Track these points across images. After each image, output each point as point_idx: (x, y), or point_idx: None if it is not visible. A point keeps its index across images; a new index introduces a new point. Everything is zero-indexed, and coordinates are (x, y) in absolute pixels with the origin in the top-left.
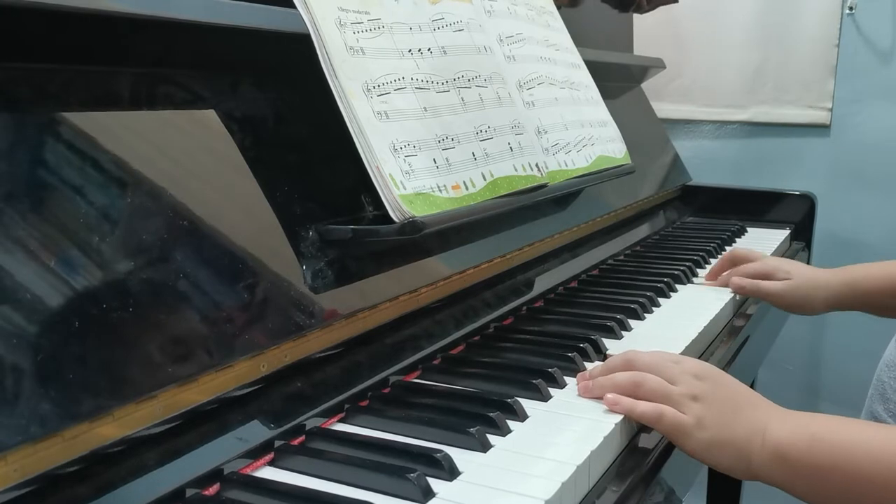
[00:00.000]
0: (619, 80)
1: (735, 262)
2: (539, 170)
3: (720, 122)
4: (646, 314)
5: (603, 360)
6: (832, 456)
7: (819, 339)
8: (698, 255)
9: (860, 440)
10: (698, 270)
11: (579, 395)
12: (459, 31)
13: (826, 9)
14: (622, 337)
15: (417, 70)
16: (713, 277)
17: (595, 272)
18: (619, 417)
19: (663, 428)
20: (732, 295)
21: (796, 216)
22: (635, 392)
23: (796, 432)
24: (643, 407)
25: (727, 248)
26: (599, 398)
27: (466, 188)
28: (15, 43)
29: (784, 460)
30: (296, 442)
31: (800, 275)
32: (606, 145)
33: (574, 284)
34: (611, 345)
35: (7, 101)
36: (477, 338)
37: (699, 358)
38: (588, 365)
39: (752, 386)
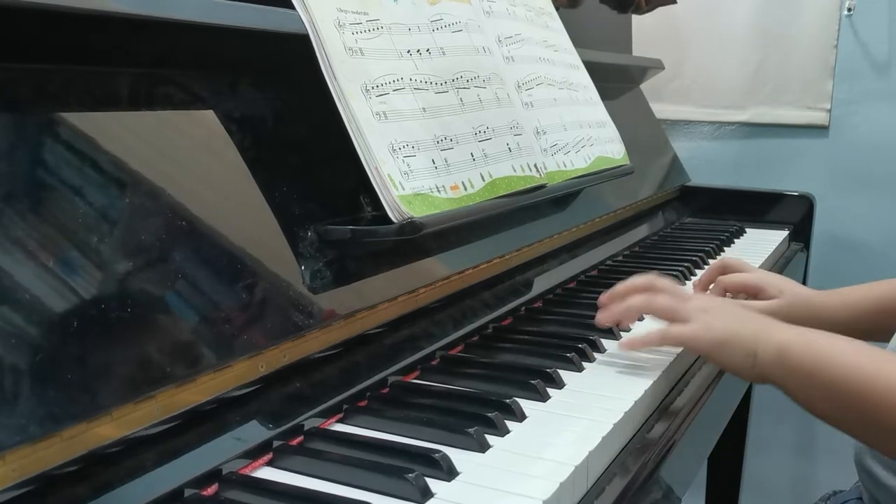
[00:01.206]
0: (617, 80)
1: (725, 271)
2: (538, 170)
3: (719, 123)
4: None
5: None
6: (820, 362)
7: None
8: (697, 256)
9: (848, 353)
10: (697, 271)
11: (598, 321)
12: (458, 31)
13: (824, 10)
14: (621, 337)
15: (416, 71)
16: (703, 288)
17: (594, 273)
18: (617, 418)
19: (672, 340)
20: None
21: (795, 217)
22: (648, 309)
23: (798, 335)
24: (649, 336)
25: (726, 249)
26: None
27: (465, 189)
28: (14, 43)
29: (784, 361)
30: (294, 442)
31: (791, 293)
32: (605, 146)
33: (573, 285)
34: (609, 345)
35: (6, 102)
36: (476, 338)
37: (696, 359)
38: (587, 365)
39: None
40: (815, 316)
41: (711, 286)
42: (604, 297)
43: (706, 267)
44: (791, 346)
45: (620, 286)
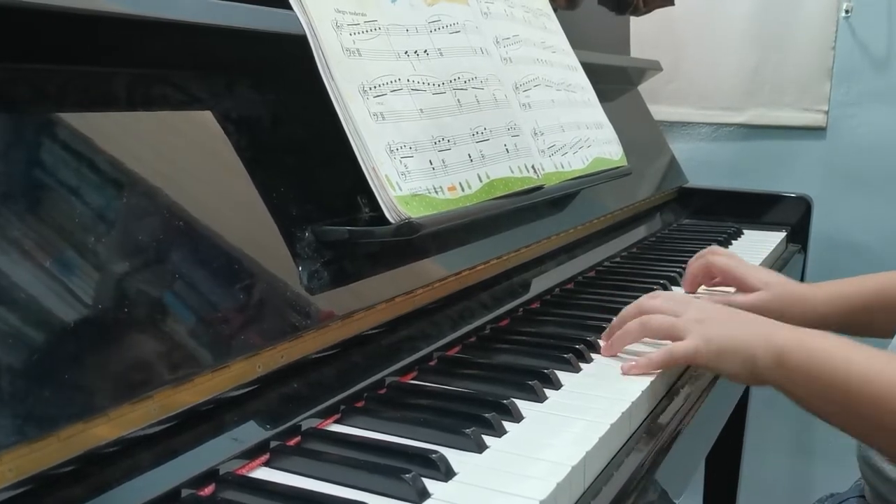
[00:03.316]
0: (615, 82)
1: (710, 273)
2: (535, 171)
3: (717, 125)
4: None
5: None
6: (818, 363)
7: None
8: None
9: (845, 353)
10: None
11: (602, 354)
12: (456, 32)
13: (822, 12)
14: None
15: (414, 72)
16: (692, 289)
17: (591, 274)
18: (614, 418)
19: (678, 360)
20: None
21: (793, 218)
22: (645, 333)
23: (796, 338)
24: (655, 358)
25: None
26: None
27: (462, 190)
28: (9, 43)
29: (782, 364)
30: (292, 443)
31: (778, 286)
32: (603, 147)
33: (570, 286)
34: None
35: (2, 102)
36: (473, 339)
37: None
38: (584, 366)
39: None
40: (810, 309)
41: (697, 261)
42: (604, 336)
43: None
44: (789, 349)
45: (615, 321)
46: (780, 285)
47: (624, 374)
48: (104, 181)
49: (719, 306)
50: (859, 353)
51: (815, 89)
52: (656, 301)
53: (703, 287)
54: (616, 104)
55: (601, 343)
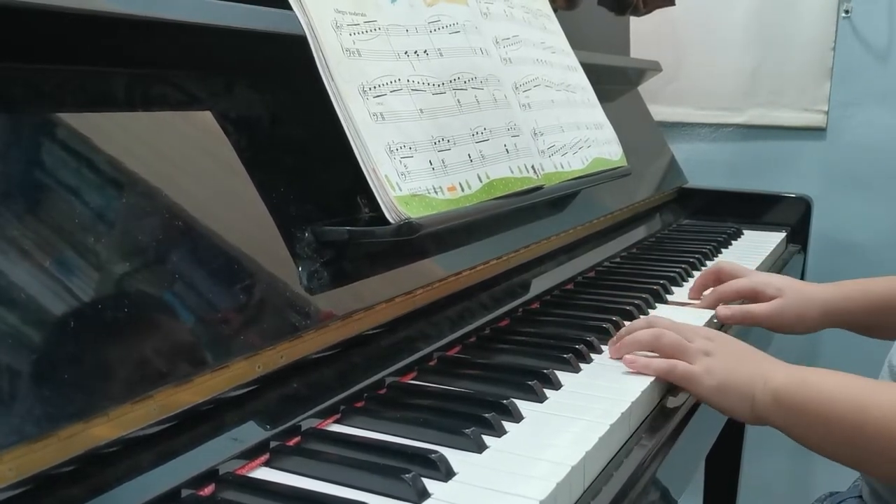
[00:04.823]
0: (615, 82)
1: (720, 277)
2: (535, 172)
3: (716, 125)
4: (641, 316)
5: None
6: (815, 400)
7: (812, 354)
8: (694, 258)
9: (840, 387)
10: (694, 273)
11: (610, 357)
12: (455, 33)
13: (822, 12)
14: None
15: (413, 72)
16: (697, 293)
17: (591, 274)
18: (614, 419)
19: (676, 378)
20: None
21: (792, 218)
22: (655, 345)
23: (792, 376)
24: (657, 363)
25: (723, 251)
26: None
27: (462, 190)
28: (8, 43)
29: (780, 403)
30: (291, 443)
31: (791, 289)
32: (602, 147)
33: (570, 286)
34: (606, 347)
35: (1, 102)
36: (473, 339)
37: None
38: (584, 366)
39: None
40: (831, 308)
41: (706, 292)
42: (610, 342)
43: (702, 270)
44: (786, 389)
45: (623, 330)
46: (795, 290)
47: (623, 362)
48: (104, 181)
49: (728, 339)
50: (853, 385)
51: (814, 89)
52: (667, 321)
53: (721, 304)
54: (616, 104)
55: (607, 349)
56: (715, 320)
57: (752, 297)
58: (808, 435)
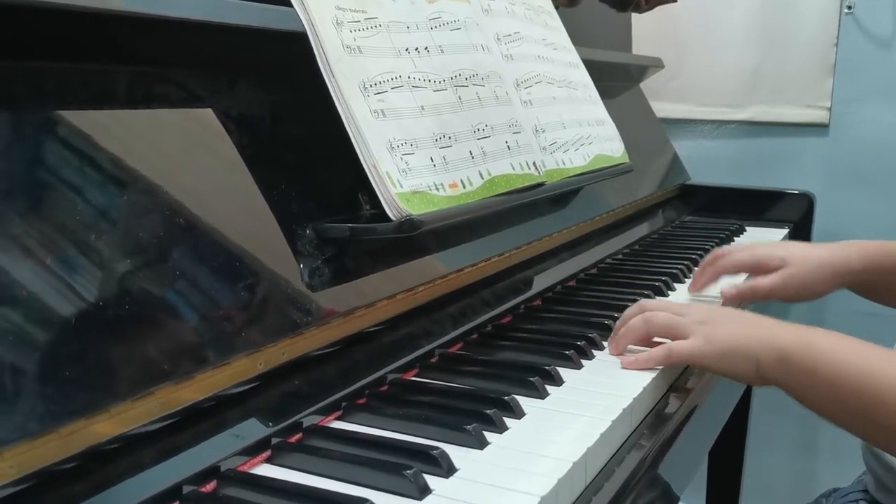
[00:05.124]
0: (617, 79)
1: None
2: (536, 168)
3: (719, 122)
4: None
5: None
6: (825, 364)
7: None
8: (697, 254)
9: (854, 355)
10: (696, 269)
11: (609, 353)
12: (457, 29)
13: (825, 8)
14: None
15: (415, 69)
16: (697, 289)
17: (593, 271)
18: (616, 415)
19: (675, 358)
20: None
21: (795, 215)
22: (648, 330)
23: (799, 337)
24: (654, 354)
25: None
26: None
27: (464, 186)
28: (10, 40)
29: (786, 364)
30: (293, 439)
31: (796, 257)
32: (604, 144)
33: (572, 283)
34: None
35: (3, 99)
36: (475, 336)
37: None
38: (585, 363)
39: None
40: (843, 269)
41: (702, 270)
42: (609, 338)
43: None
44: (792, 349)
45: (618, 322)
46: (799, 257)
47: (623, 368)
48: (105, 179)
49: (723, 308)
50: (862, 350)
51: (817, 86)
52: (656, 301)
53: (724, 278)
54: (618, 101)
55: (607, 346)
56: (721, 302)
57: (756, 270)
58: (814, 398)
